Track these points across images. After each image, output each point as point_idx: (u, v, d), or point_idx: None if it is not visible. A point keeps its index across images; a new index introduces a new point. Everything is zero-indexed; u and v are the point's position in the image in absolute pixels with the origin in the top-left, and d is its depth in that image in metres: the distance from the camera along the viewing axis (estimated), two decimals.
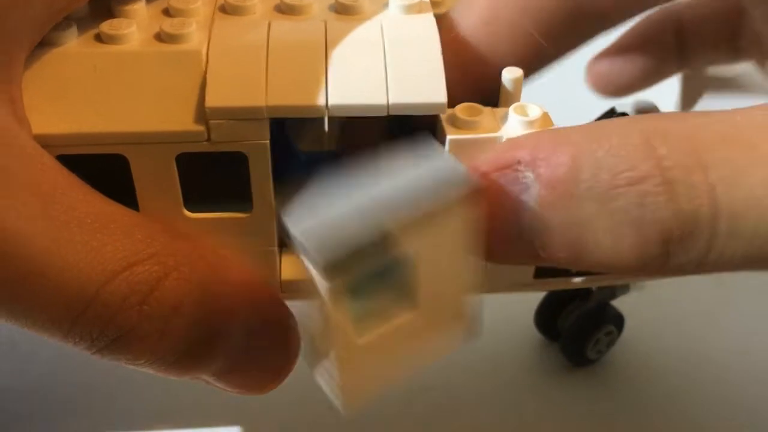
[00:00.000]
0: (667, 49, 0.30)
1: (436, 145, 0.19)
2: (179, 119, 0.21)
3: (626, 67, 0.30)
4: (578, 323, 0.30)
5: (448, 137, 0.21)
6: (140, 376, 0.30)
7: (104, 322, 0.18)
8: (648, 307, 0.33)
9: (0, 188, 0.17)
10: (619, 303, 0.30)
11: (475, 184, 0.18)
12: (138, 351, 0.19)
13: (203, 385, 0.22)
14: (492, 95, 0.23)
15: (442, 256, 0.18)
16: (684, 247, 0.17)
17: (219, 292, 0.20)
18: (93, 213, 0.19)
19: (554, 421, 0.29)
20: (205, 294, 0.19)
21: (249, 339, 0.21)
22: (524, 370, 0.31)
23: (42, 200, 0.18)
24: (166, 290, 0.19)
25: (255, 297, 0.21)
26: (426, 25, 0.22)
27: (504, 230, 0.18)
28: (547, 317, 0.31)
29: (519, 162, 0.18)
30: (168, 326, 0.19)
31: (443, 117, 0.21)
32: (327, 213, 0.17)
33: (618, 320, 0.30)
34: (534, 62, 0.25)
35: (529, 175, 0.18)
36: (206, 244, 0.21)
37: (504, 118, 0.22)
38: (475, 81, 0.23)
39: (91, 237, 0.18)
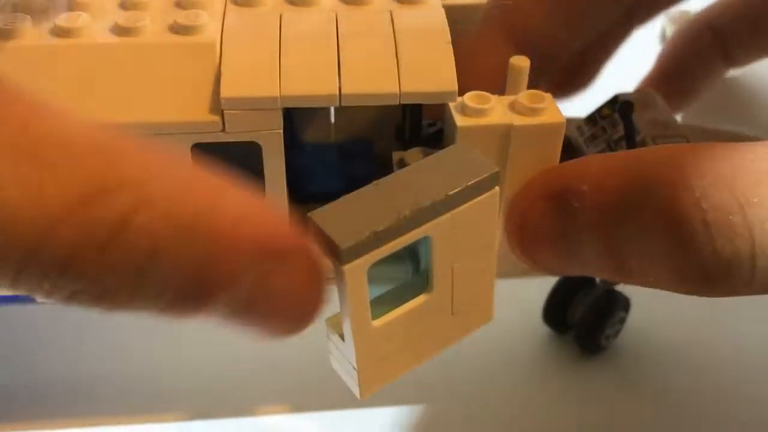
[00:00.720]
0: (709, 57, 0.31)
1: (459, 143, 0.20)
2: (195, 110, 0.21)
3: (676, 85, 0.31)
4: (591, 312, 0.30)
5: (458, 125, 0.21)
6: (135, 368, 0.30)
7: (57, 272, 0.14)
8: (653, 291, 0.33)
9: None
10: (623, 287, 0.31)
11: (496, 173, 0.18)
12: (106, 304, 0.15)
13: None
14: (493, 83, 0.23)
15: (459, 241, 0.19)
16: (721, 283, 0.18)
17: (214, 231, 0.15)
18: (44, 135, 0.14)
19: (565, 413, 0.30)
20: (193, 235, 0.15)
21: (260, 284, 0.16)
22: (535, 363, 0.31)
23: None
24: (134, 231, 0.14)
25: (264, 233, 0.16)
26: (435, 15, 0.23)
27: (553, 248, 0.21)
28: (557, 311, 0.32)
29: (569, 189, 0.20)
30: (141, 279, 0.14)
31: (452, 105, 0.22)
32: (346, 202, 0.17)
33: (626, 305, 0.31)
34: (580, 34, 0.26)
35: (577, 202, 0.20)
36: (196, 168, 0.16)
37: (512, 106, 0.22)
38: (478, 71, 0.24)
39: (39, 164, 0.14)
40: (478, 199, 0.18)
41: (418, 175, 0.18)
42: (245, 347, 0.31)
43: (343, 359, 0.19)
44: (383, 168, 0.25)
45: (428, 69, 0.21)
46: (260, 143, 0.21)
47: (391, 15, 0.22)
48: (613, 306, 0.30)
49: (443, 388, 0.30)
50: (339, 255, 0.17)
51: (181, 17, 0.22)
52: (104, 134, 0.15)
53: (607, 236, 0.20)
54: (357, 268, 0.17)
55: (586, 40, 0.26)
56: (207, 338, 0.31)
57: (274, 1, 0.23)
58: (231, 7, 0.23)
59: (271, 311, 0.16)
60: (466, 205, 0.18)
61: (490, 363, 0.31)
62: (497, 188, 0.19)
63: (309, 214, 0.17)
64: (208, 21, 0.22)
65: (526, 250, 0.22)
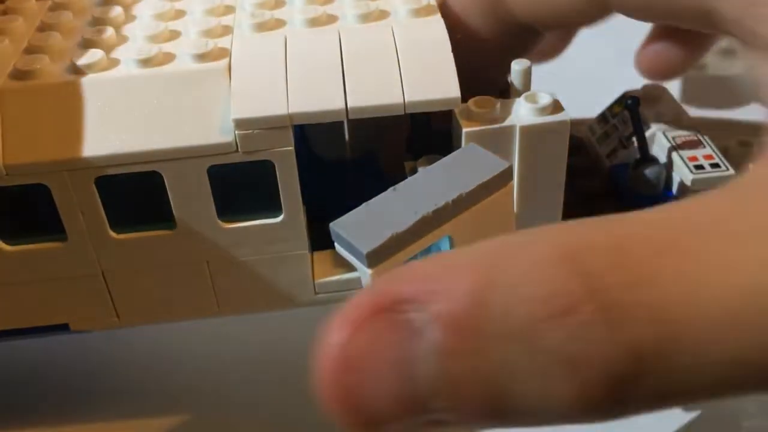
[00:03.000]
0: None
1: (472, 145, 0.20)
2: (208, 133, 0.22)
3: (675, 46, 0.30)
4: None
5: (464, 130, 0.22)
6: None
7: None
8: None
9: None
10: None
11: (509, 168, 0.19)
12: None
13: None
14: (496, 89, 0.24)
15: (478, 236, 0.19)
16: (636, 386, 0.13)
17: None
18: None
19: None
20: None
21: None
22: None
23: None
24: None
25: None
26: (435, 26, 0.23)
27: (389, 389, 0.13)
28: None
29: (404, 300, 0.13)
30: None
31: (458, 111, 0.22)
32: (367, 208, 0.18)
33: None
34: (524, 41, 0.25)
35: (420, 316, 0.13)
36: None
37: (516, 107, 0.22)
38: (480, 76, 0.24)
39: None
40: (495, 195, 0.19)
41: (434, 177, 0.19)
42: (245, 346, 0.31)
43: None
44: (397, 180, 0.25)
45: (431, 77, 0.22)
46: (274, 162, 0.22)
47: (393, 29, 0.23)
48: None
49: None
50: (364, 260, 0.17)
51: (190, 46, 0.22)
52: None
53: (473, 353, 0.13)
54: (382, 272, 0.17)
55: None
56: (208, 336, 0.31)
57: (279, 24, 0.24)
58: (237, 32, 0.24)
59: None
60: (483, 202, 0.19)
61: None
62: (512, 183, 0.19)
63: (331, 225, 0.17)
64: (217, 48, 0.23)
65: (349, 392, 0.14)
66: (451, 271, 0.14)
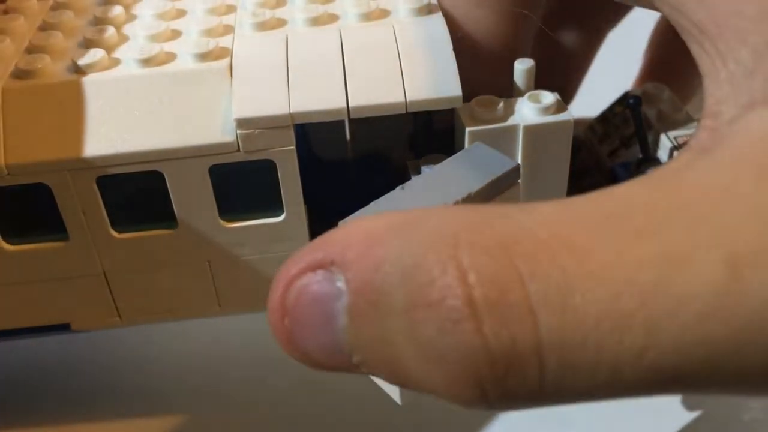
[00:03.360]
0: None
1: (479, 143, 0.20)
2: (210, 133, 0.22)
3: (669, 76, 0.29)
4: None
5: (467, 129, 0.22)
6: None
7: None
8: None
9: None
10: None
11: (517, 167, 0.19)
12: None
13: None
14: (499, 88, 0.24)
15: None
16: (503, 386, 0.13)
17: None
18: None
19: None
20: None
21: None
22: None
23: None
24: None
25: None
26: (436, 25, 0.23)
27: (319, 339, 0.15)
28: None
29: (332, 262, 0.14)
30: None
31: (460, 110, 0.22)
32: (375, 206, 0.18)
33: None
34: (522, 37, 0.25)
35: (341, 278, 0.14)
36: None
37: (519, 107, 0.22)
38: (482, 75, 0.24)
39: None
40: (504, 194, 0.19)
41: (442, 175, 0.19)
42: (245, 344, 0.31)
43: None
44: (400, 180, 0.25)
45: (432, 77, 0.22)
46: (275, 161, 0.22)
47: (394, 28, 0.23)
48: None
49: None
50: None
51: (192, 45, 0.22)
52: None
53: (371, 320, 0.14)
54: None
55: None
56: (209, 336, 0.31)
57: (280, 23, 0.24)
58: (239, 31, 0.24)
59: None
60: (492, 202, 0.18)
61: None
62: (519, 182, 0.19)
63: (340, 224, 0.17)
64: (218, 47, 0.23)
65: (290, 338, 0.15)
66: (364, 240, 0.14)
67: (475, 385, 0.13)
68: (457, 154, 0.19)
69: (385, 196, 0.18)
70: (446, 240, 0.13)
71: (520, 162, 0.23)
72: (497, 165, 0.19)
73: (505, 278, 0.13)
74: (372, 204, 0.18)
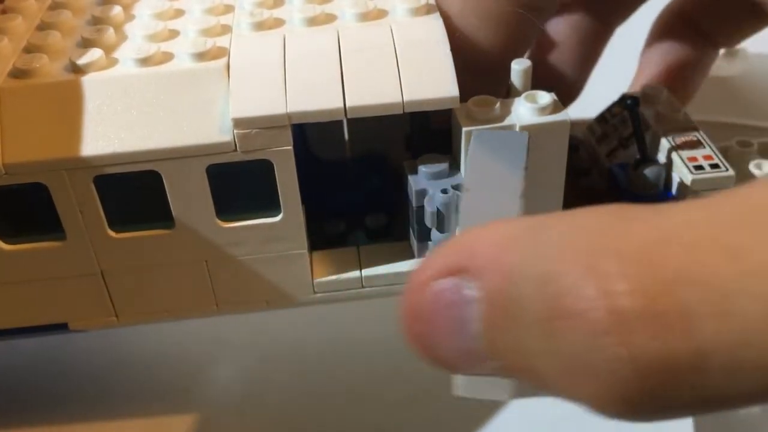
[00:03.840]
0: (688, 45, 0.30)
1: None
2: (207, 132, 0.22)
3: (667, 83, 0.29)
4: None
5: (464, 129, 0.22)
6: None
7: None
8: None
9: None
10: None
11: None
12: None
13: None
14: (496, 88, 0.24)
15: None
16: (657, 398, 0.12)
17: None
18: None
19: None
20: None
21: None
22: None
23: None
24: None
25: None
26: (433, 25, 0.23)
27: (453, 344, 0.15)
28: None
29: (462, 268, 0.14)
30: None
31: (457, 111, 0.22)
32: (467, 216, 0.18)
33: None
34: (520, 44, 0.25)
35: (472, 285, 0.14)
36: None
37: (516, 107, 0.22)
38: (479, 75, 0.24)
39: None
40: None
41: (483, 169, 0.19)
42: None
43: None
44: (397, 179, 0.25)
45: (429, 77, 0.22)
46: (272, 161, 0.22)
47: (391, 28, 0.23)
48: None
49: None
50: None
51: (189, 45, 0.22)
52: None
53: (506, 331, 0.14)
54: None
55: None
56: (206, 336, 0.31)
57: (278, 23, 0.24)
58: (236, 31, 0.24)
59: None
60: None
61: None
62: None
63: (459, 230, 0.17)
64: (216, 47, 0.23)
65: (423, 343, 0.15)
66: (492, 247, 0.14)
67: (623, 399, 0.12)
68: (472, 149, 0.20)
69: (463, 202, 0.18)
70: (580, 247, 0.13)
71: None
72: (514, 141, 0.19)
73: (652, 285, 0.12)
74: (460, 215, 0.18)
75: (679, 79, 0.29)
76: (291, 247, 0.24)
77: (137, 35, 0.24)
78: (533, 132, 0.22)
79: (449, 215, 0.22)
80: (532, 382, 0.14)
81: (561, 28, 0.30)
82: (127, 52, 0.23)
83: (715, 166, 0.24)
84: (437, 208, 0.22)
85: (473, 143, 0.20)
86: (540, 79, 0.24)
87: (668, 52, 0.29)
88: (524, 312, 0.13)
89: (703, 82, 0.30)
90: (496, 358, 0.14)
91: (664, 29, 0.30)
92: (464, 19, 0.24)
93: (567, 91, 0.30)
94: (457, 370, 0.15)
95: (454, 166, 0.23)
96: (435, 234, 0.23)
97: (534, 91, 0.23)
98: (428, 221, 0.23)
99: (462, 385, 0.18)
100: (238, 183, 0.23)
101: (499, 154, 0.19)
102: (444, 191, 0.22)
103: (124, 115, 0.22)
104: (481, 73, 0.24)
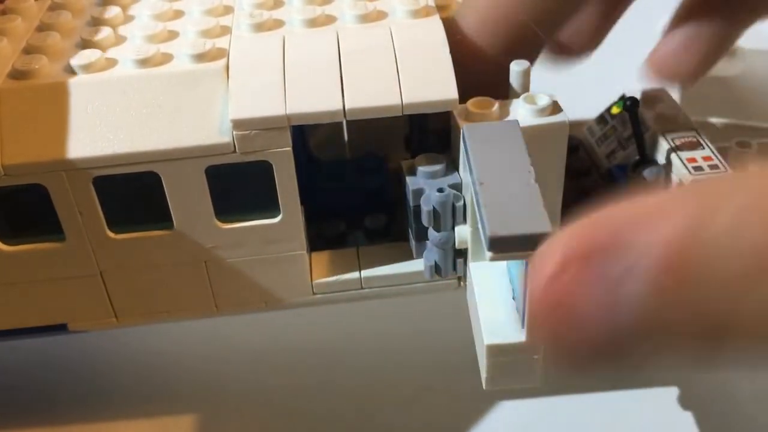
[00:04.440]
0: (717, 20, 0.29)
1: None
2: (206, 134, 0.22)
3: (688, 51, 0.29)
4: None
5: (465, 126, 0.22)
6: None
7: None
8: None
9: None
10: None
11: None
12: None
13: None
14: (495, 90, 0.24)
15: None
16: None
17: None
18: None
19: (572, 393, 0.30)
20: None
21: None
22: None
23: None
24: None
25: None
26: (433, 27, 0.23)
27: (592, 330, 0.14)
28: None
29: (614, 241, 0.14)
30: None
31: (456, 112, 0.22)
32: (490, 208, 0.18)
33: None
34: (531, 53, 0.25)
35: (630, 255, 0.14)
36: None
37: (515, 108, 0.22)
38: (478, 77, 0.24)
39: None
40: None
41: (490, 160, 0.19)
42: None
43: (514, 360, 0.19)
44: (396, 180, 0.25)
45: (428, 79, 0.22)
46: (271, 162, 0.22)
47: (391, 30, 0.23)
48: None
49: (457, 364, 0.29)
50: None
51: (188, 46, 0.22)
52: None
53: (689, 291, 0.14)
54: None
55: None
56: (205, 337, 0.32)
57: (278, 24, 0.24)
58: (236, 33, 0.24)
59: None
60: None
61: None
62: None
63: (489, 234, 0.17)
64: (215, 48, 0.23)
65: (562, 328, 0.15)
66: (663, 212, 0.14)
67: None
68: (471, 144, 0.20)
69: (481, 195, 0.18)
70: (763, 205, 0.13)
71: None
72: (507, 130, 0.20)
73: None
74: (483, 208, 0.18)
75: (697, 53, 0.29)
76: (290, 248, 0.24)
77: (136, 36, 0.24)
78: (532, 133, 0.22)
79: (445, 214, 0.22)
80: (706, 341, 0.14)
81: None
82: (126, 53, 0.23)
83: (714, 167, 0.24)
84: (433, 207, 0.22)
85: (469, 139, 0.20)
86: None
87: (692, 26, 0.29)
88: (715, 271, 0.13)
89: (718, 60, 0.30)
90: (657, 329, 0.14)
91: (690, 4, 0.30)
92: (464, 20, 0.24)
93: (587, 38, 0.30)
94: (597, 357, 0.15)
95: (451, 166, 0.23)
96: (432, 233, 0.23)
97: (533, 93, 0.23)
98: (425, 220, 0.23)
99: (491, 378, 0.19)
100: (237, 184, 0.23)
101: (499, 146, 0.20)
102: (440, 190, 0.22)
103: (123, 116, 0.22)
104: (480, 74, 0.23)
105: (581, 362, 0.15)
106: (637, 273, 0.14)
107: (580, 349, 0.15)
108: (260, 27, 0.24)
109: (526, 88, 0.23)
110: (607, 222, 0.14)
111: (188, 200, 0.23)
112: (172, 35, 0.24)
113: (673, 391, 0.29)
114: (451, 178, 0.23)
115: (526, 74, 0.23)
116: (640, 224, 0.14)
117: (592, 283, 0.14)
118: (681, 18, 0.28)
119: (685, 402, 0.29)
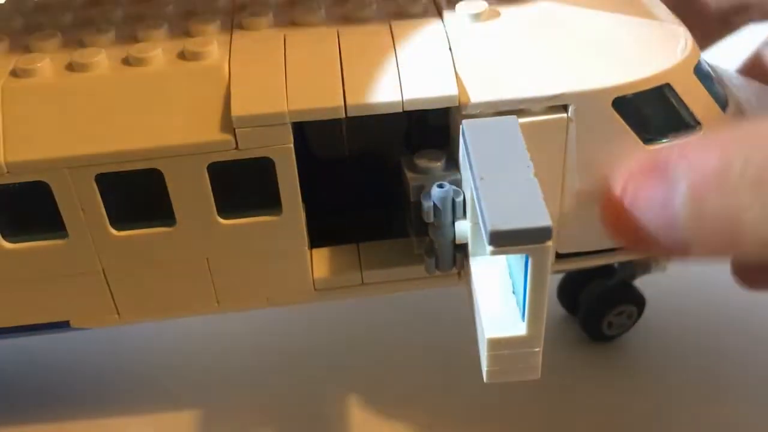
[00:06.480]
0: None
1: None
2: (208, 130, 0.22)
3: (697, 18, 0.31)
4: (595, 300, 0.31)
5: (464, 122, 0.22)
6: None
7: None
8: (672, 291, 0.33)
9: None
10: (644, 284, 0.31)
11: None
12: None
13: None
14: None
15: None
16: None
17: None
18: None
19: (571, 393, 0.30)
20: None
21: None
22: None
23: None
24: None
25: None
26: (433, 25, 0.23)
27: (653, 225, 0.20)
28: (569, 292, 0.32)
29: (667, 162, 0.19)
30: None
31: (455, 108, 0.22)
32: (490, 204, 0.18)
33: (639, 301, 0.31)
34: None
35: (679, 171, 0.19)
36: None
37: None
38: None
39: None
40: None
41: (489, 155, 0.20)
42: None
43: (515, 353, 0.20)
44: (396, 176, 0.25)
45: (429, 75, 0.22)
46: (273, 158, 0.22)
47: (391, 28, 0.23)
48: (619, 299, 0.31)
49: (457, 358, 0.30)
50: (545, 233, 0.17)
51: (190, 44, 0.23)
52: None
53: (717, 196, 0.19)
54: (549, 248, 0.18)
55: None
56: (207, 333, 0.32)
57: (278, 23, 0.24)
58: (237, 31, 0.24)
59: None
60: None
61: None
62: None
63: (490, 229, 0.17)
64: (216, 46, 0.23)
65: (622, 224, 0.20)
66: (705, 144, 0.19)
67: None
68: (470, 139, 0.20)
69: (482, 193, 0.18)
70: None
71: None
72: (506, 125, 0.20)
73: None
74: (484, 204, 0.18)
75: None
76: (291, 245, 0.24)
77: (140, 34, 0.24)
78: (531, 129, 0.22)
79: (445, 210, 0.22)
80: (725, 237, 0.19)
81: None
82: (129, 51, 0.23)
83: None
84: (433, 203, 0.22)
85: (469, 134, 0.20)
86: None
87: None
88: (735, 179, 0.18)
89: None
90: (695, 230, 0.19)
91: None
92: None
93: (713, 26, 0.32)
94: (653, 243, 0.20)
95: (451, 161, 0.23)
96: (432, 229, 0.23)
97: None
98: (425, 216, 0.23)
99: (492, 371, 0.19)
100: (238, 181, 0.23)
101: (498, 141, 0.20)
102: (440, 186, 0.22)
103: (125, 113, 0.22)
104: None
105: (640, 244, 0.20)
106: (681, 188, 0.19)
107: (641, 232, 0.20)
108: (262, 25, 0.24)
109: None
110: (661, 152, 0.20)
111: (190, 197, 0.23)
112: (176, 33, 0.24)
113: None
114: (451, 174, 0.23)
115: None
116: (684, 155, 0.19)
117: (650, 189, 0.19)
118: None
119: None
